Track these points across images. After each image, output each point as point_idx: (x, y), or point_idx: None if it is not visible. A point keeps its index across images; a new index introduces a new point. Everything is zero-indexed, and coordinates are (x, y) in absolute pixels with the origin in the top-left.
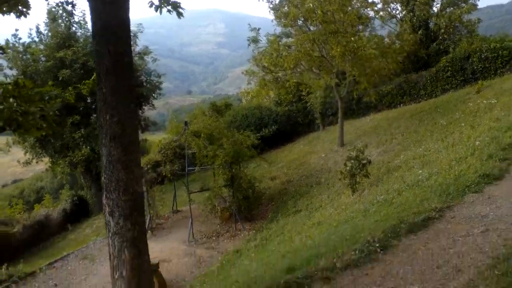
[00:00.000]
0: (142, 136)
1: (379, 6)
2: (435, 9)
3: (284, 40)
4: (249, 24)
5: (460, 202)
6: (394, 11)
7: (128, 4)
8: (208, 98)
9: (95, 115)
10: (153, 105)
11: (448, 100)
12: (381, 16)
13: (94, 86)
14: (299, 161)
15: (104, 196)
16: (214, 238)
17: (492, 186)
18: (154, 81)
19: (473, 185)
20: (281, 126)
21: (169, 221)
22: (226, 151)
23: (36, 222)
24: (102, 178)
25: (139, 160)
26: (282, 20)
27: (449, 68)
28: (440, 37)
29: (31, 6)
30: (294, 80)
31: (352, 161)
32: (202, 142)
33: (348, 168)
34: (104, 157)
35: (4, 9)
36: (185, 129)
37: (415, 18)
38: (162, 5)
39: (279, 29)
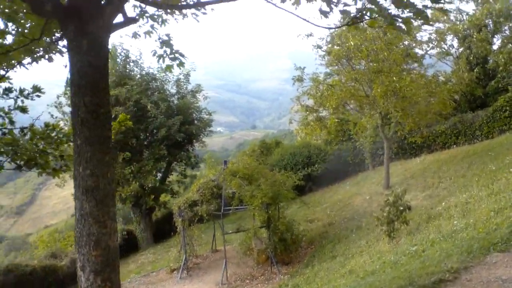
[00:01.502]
0: (193, 172)
1: (434, 43)
2: (495, 46)
3: (328, 80)
4: (294, 64)
5: (481, 262)
6: (450, 49)
7: (107, 53)
8: (272, 133)
9: (147, 152)
10: (203, 142)
11: (502, 143)
12: (437, 53)
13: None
14: (343, 202)
15: (76, 250)
16: (248, 281)
17: None
18: (205, 119)
19: (500, 243)
20: (330, 166)
21: (207, 260)
22: (264, 192)
23: None
24: (74, 231)
25: (113, 214)
26: (326, 58)
27: (508, 107)
28: (499, 75)
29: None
30: (336, 120)
31: (389, 207)
32: (240, 182)
33: (385, 214)
34: (76, 210)
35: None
36: (224, 169)
37: (472, 55)
38: (165, 55)
39: (324, 69)
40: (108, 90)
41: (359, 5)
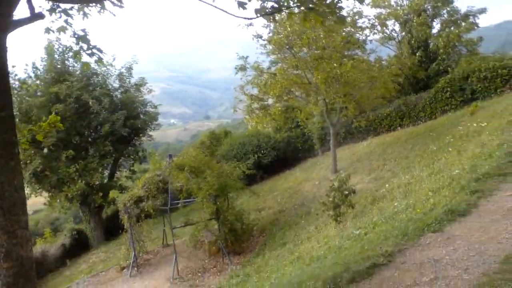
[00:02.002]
0: (142, 167)
1: (378, 28)
2: (435, 30)
3: (273, 68)
4: (237, 53)
5: (415, 244)
6: (392, 33)
7: (5, 53)
8: (226, 123)
9: (92, 149)
10: (150, 136)
11: (443, 123)
12: (380, 38)
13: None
14: (293, 189)
15: None
16: (200, 274)
17: (455, 224)
18: (150, 112)
19: (434, 223)
20: (280, 153)
21: (158, 256)
22: (210, 184)
23: None
24: None
25: (24, 223)
26: (268, 47)
27: (448, 89)
28: (439, 58)
29: None
30: (279, 108)
31: (334, 192)
32: (186, 175)
33: (331, 199)
34: None
35: None
36: (169, 163)
37: (413, 39)
38: (81, 51)
39: (265, 57)
40: (10, 92)
41: None
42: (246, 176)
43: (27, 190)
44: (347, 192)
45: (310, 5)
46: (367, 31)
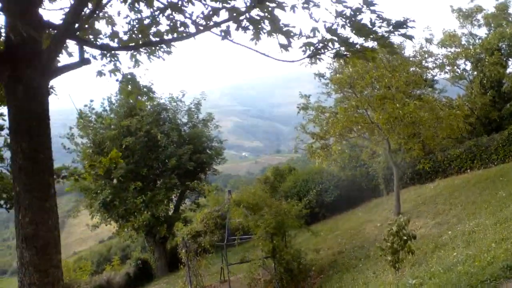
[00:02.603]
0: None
1: (448, 68)
2: (510, 69)
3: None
4: (300, 92)
5: None
6: (463, 72)
7: (45, 98)
8: (296, 158)
9: (159, 182)
10: (216, 170)
11: None
12: (451, 77)
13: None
14: (355, 230)
15: None
16: None
17: None
18: (216, 147)
19: (489, 280)
20: (344, 191)
21: None
22: (267, 221)
23: (97, 287)
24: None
25: (56, 261)
26: (330, 86)
27: None
28: None
29: None
30: (339, 148)
31: (393, 236)
32: (243, 212)
33: (389, 244)
34: (17, 258)
35: None
36: (228, 199)
37: (485, 79)
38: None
39: (325, 97)
40: (49, 135)
41: (319, 36)
42: (308, 214)
43: (96, 218)
44: (405, 238)
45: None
46: (435, 70)
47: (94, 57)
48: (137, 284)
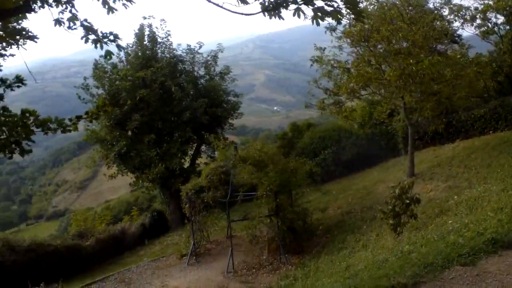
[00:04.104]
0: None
1: (478, 22)
2: None
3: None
4: (314, 44)
5: (437, 277)
6: (495, 27)
7: None
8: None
9: (176, 134)
10: (232, 124)
11: None
12: (481, 32)
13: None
14: (366, 190)
15: None
16: (254, 270)
17: (494, 258)
18: (232, 101)
19: (469, 253)
20: (362, 150)
21: (220, 247)
22: (271, 179)
23: (111, 236)
24: None
25: None
26: (343, 40)
27: None
28: None
29: None
30: (349, 105)
31: (395, 200)
32: (249, 168)
33: (390, 207)
34: None
35: None
36: (234, 155)
37: None
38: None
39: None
40: None
41: None
42: (326, 172)
43: (113, 169)
44: (408, 201)
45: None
46: (456, 24)
47: (50, 5)
48: (151, 235)
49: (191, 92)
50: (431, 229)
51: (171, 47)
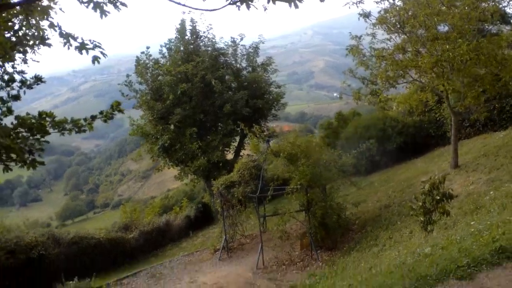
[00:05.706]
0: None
1: None
2: None
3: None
4: (350, 33)
5: None
6: None
7: None
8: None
9: (219, 128)
10: (276, 115)
11: None
12: None
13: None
14: (408, 182)
15: None
16: (284, 266)
17: (497, 270)
18: (274, 93)
19: (469, 265)
20: (409, 139)
21: (253, 241)
22: (302, 174)
23: (155, 228)
24: None
25: None
26: (378, 27)
27: None
28: None
29: None
30: (384, 95)
31: (425, 196)
32: (281, 162)
33: (420, 203)
34: None
35: None
36: (267, 148)
37: None
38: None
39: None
40: None
41: None
42: (370, 163)
43: (160, 162)
44: (438, 198)
45: None
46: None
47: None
48: (197, 227)
49: (233, 85)
50: (457, 229)
51: (213, 40)
